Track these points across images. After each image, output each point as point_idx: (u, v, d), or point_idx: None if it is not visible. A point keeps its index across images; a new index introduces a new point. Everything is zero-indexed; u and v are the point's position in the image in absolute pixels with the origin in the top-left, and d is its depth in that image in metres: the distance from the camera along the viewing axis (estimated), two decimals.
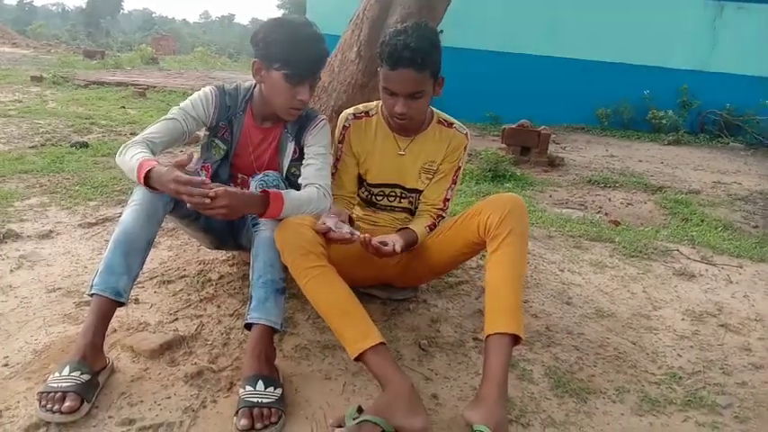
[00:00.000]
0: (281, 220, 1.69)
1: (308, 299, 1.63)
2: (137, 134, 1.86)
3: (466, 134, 2.05)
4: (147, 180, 1.63)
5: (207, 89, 1.94)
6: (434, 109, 2.05)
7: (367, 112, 2.05)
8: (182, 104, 1.90)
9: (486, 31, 8.96)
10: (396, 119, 1.87)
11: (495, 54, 9.04)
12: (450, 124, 2.05)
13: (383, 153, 2.02)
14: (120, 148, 1.75)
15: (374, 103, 2.08)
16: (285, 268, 1.69)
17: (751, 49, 8.72)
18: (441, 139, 2.02)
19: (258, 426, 1.41)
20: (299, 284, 1.62)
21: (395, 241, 1.76)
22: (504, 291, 1.61)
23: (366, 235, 1.70)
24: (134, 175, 1.67)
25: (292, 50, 1.74)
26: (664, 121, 8.70)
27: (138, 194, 1.70)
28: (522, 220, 1.69)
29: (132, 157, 1.69)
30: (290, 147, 1.97)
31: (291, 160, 1.97)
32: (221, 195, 1.55)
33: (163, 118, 1.86)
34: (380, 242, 1.72)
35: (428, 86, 1.80)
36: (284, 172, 1.96)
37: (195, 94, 1.93)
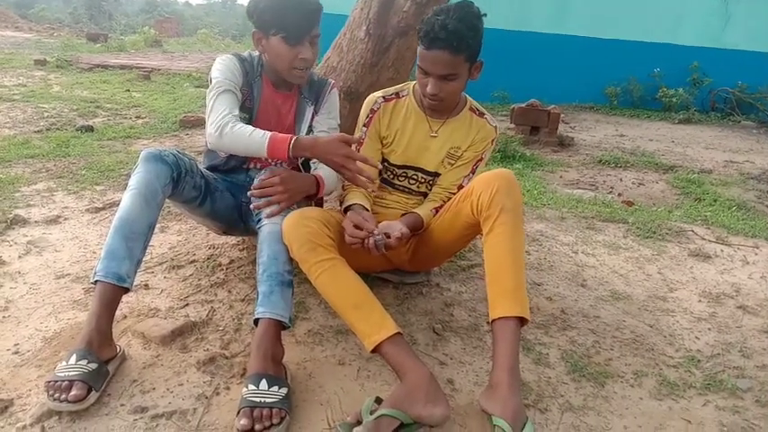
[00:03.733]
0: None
1: (321, 294, 1.60)
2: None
3: (495, 127, 2.01)
4: (291, 149, 1.66)
5: (226, 57, 1.92)
6: (468, 96, 2.01)
7: (397, 93, 2.00)
8: (219, 76, 1.84)
9: (493, 8, 8.67)
10: (428, 99, 1.83)
11: (504, 32, 8.88)
12: (482, 114, 2.01)
13: (413, 134, 1.98)
14: (216, 128, 1.71)
15: (407, 83, 2.04)
16: (292, 261, 1.65)
17: (764, 25, 8.55)
18: (470, 126, 1.98)
19: (258, 427, 1.34)
20: (310, 280, 1.59)
21: (398, 229, 1.72)
22: (503, 273, 1.57)
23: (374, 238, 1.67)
24: (262, 149, 1.67)
25: (284, 13, 1.75)
26: (674, 100, 8.58)
27: (135, 179, 1.67)
28: (512, 195, 1.63)
29: (252, 133, 1.68)
30: (309, 112, 2.01)
31: (309, 126, 2.01)
32: (285, 179, 1.70)
33: (219, 92, 1.80)
34: (384, 233, 1.68)
35: (462, 70, 1.75)
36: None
37: (221, 64, 1.88)
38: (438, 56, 1.69)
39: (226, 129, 1.70)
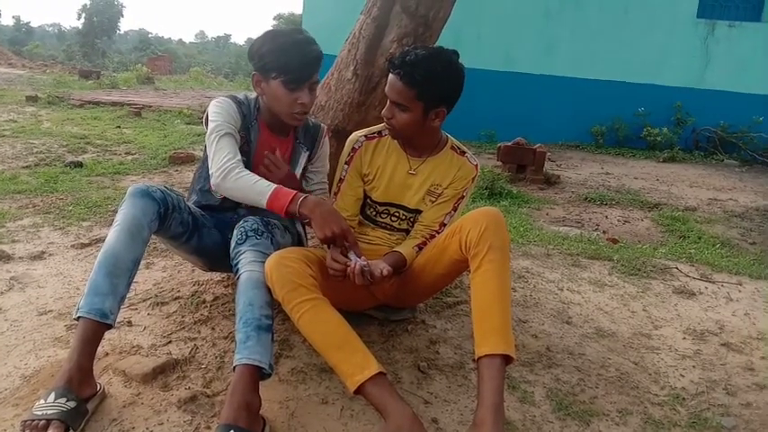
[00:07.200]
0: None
1: (303, 335, 1.60)
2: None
3: (476, 165, 2.05)
4: (291, 205, 1.65)
5: (223, 99, 1.91)
6: (449, 135, 2.05)
7: (380, 132, 2.04)
8: (219, 119, 1.83)
9: (481, 49, 9.00)
10: (384, 123, 1.90)
11: (491, 73, 9.08)
12: (463, 153, 2.05)
13: (394, 172, 2.01)
14: (221, 171, 1.71)
15: None
16: (271, 305, 1.63)
17: (743, 66, 8.83)
18: (451, 164, 2.01)
19: None
20: (293, 321, 1.59)
21: (382, 267, 1.71)
22: (491, 310, 1.58)
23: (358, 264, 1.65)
24: (262, 199, 1.67)
25: (285, 57, 1.78)
26: (658, 139, 8.75)
27: (121, 214, 1.67)
28: (500, 233, 1.66)
29: (256, 183, 1.69)
30: (303, 158, 2.04)
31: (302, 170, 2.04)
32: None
33: (220, 135, 1.79)
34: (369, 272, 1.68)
35: (413, 105, 1.79)
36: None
37: (219, 107, 1.87)
38: (393, 81, 1.79)
39: (231, 174, 1.71)
